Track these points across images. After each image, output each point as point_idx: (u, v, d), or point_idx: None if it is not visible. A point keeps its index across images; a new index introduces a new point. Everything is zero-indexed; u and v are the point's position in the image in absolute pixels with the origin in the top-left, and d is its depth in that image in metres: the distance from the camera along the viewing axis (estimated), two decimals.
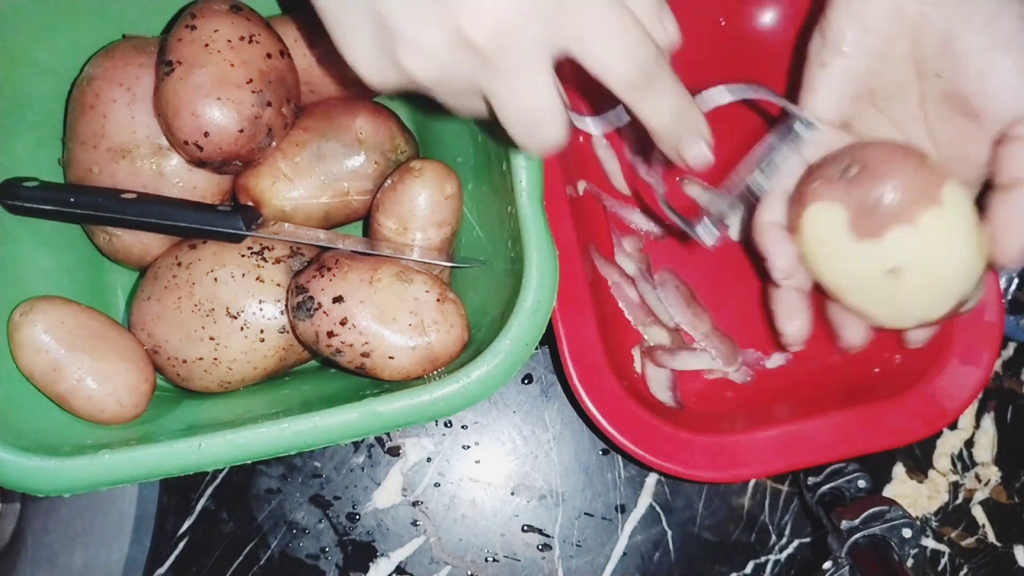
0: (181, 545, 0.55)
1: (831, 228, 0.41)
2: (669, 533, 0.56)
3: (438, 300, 0.43)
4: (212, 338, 0.45)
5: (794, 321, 0.46)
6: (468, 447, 0.56)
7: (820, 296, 0.53)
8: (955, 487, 0.57)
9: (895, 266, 0.40)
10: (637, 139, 0.55)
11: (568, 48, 0.31)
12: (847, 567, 0.47)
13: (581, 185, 0.55)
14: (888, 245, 0.40)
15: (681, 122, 0.35)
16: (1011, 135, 0.39)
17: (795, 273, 0.44)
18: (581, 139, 0.56)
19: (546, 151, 0.34)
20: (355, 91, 0.50)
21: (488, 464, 0.56)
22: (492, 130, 0.42)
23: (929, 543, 0.57)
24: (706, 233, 0.42)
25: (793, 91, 0.45)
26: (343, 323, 0.42)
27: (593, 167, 0.56)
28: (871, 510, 0.48)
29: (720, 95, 0.40)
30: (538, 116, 0.32)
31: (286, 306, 0.45)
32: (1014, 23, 0.38)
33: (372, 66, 0.32)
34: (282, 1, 0.51)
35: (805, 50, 0.44)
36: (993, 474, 0.58)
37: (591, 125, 0.38)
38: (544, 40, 0.30)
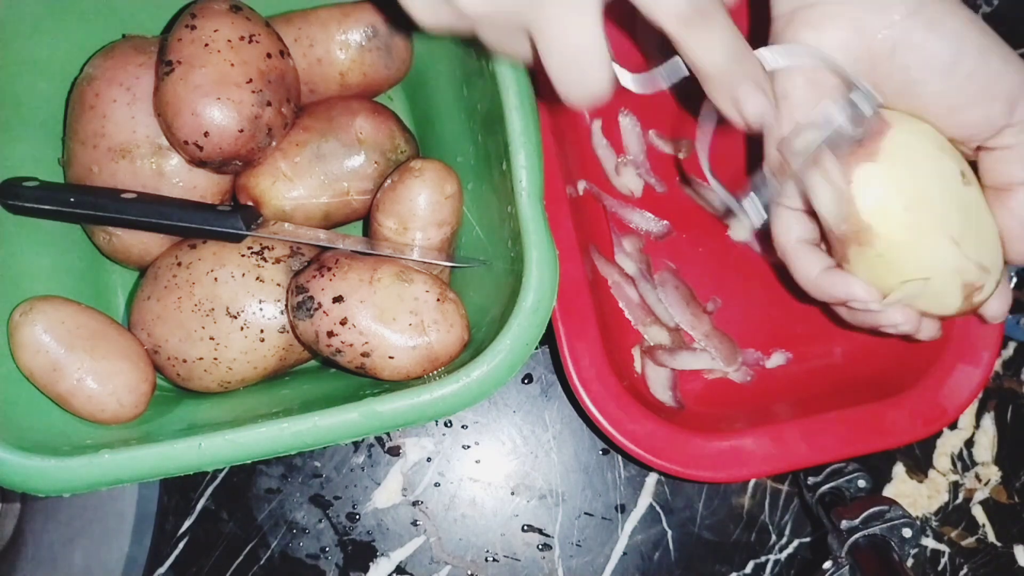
0: (181, 545, 0.55)
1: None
2: (669, 533, 0.56)
3: (438, 300, 0.43)
4: (212, 338, 0.45)
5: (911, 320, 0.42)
6: (468, 447, 0.56)
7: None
8: (955, 487, 0.57)
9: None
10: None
11: None
12: (847, 567, 0.47)
13: (581, 185, 0.55)
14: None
15: (737, 66, 0.33)
16: (985, 146, 0.39)
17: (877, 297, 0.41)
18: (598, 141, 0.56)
19: (586, 100, 0.33)
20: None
21: (488, 464, 0.56)
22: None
23: (929, 543, 0.57)
24: (753, 212, 0.39)
25: None
26: (343, 323, 0.42)
27: (593, 167, 0.56)
28: (871, 510, 0.48)
29: (772, 58, 0.37)
30: (582, 58, 0.31)
31: (286, 306, 0.45)
32: (975, 56, 0.37)
33: (425, 3, 0.32)
34: None
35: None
36: (993, 474, 0.58)
37: (632, 82, 0.36)
38: None
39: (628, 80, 0.36)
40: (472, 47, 0.41)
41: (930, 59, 0.37)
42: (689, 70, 0.34)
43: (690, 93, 0.34)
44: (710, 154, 0.42)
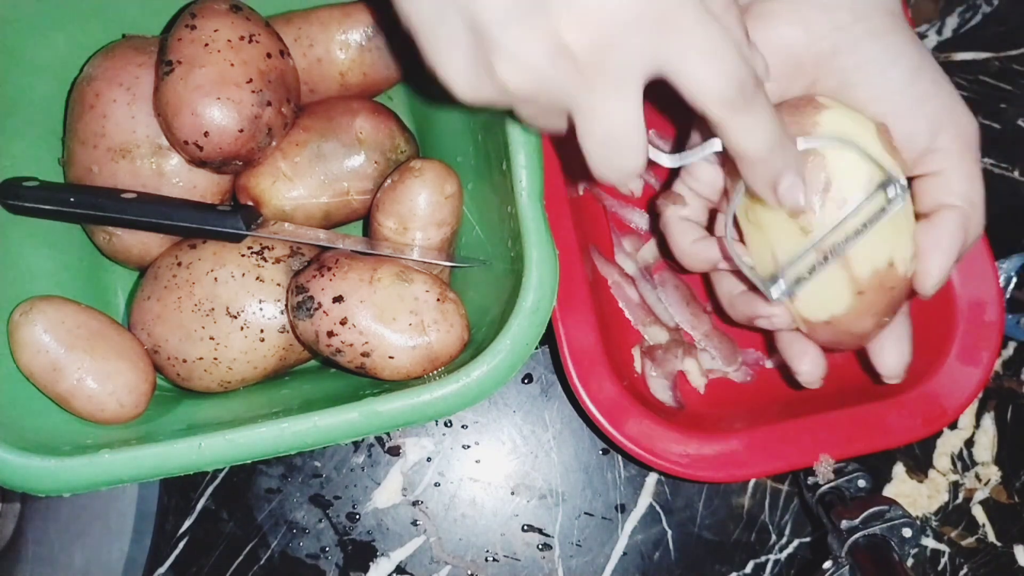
0: (181, 545, 0.55)
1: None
2: (669, 533, 0.56)
3: (438, 300, 0.43)
4: (212, 338, 0.45)
5: (807, 357, 0.44)
6: (468, 447, 0.56)
7: None
8: (955, 487, 0.57)
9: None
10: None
11: (666, 63, 0.30)
12: (847, 567, 0.47)
13: (581, 185, 0.55)
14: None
15: (778, 152, 0.34)
16: (913, 173, 0.40)
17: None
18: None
19: (620, 179, 0.34)
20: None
21: (488, 464, 0.56)
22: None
23: (929, 543, 0.57)
24: (778, 292, 0.40)
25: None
26: (343, 323, 0.42)
27: None
28: (871, 510, 0.47)
29: (806, 143, 0.37)
30: (621, 138, 0.32)
31: (286, 306, 0.45)
32: (909, 71, 0.39)
33: (466, 79, 0.32)
34: None
35: None
36: (993, 474, 0.58)
37: (667, 160, 0.37)
38: (642, 54, 0.30)
39: (664, 159, 0.37)
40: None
41: (867, 64, 0.39)
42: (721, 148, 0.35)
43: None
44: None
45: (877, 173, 0.38)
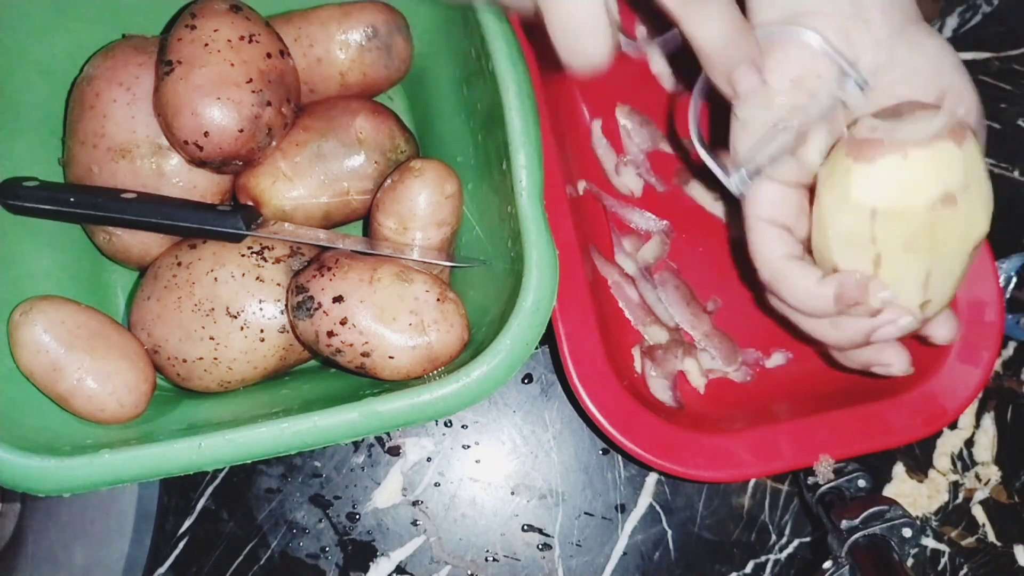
0: (181, 545, 0.55)
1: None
2: (669, 533, 0.56)
3: (438, 300, 0.43)
4: (212, 338, 0.45)
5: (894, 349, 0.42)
6: (468, 447, 0.56)
7: None
8: (955, 487, 0.57)
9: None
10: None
11: None
12: (847, 567, 0.47)
13: (581, 185, 0.55)
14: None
15: (733, 44, 0.34)
16: None
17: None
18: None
19: (587, 67, 0.34)
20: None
21: (488, 464, 0.56)
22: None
23: (929, 543, 0.57)
24: (737, 182, 0.40)
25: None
26: (343, 323, 0.42)
27: (593, 167, 0.56)
28: (871, 510, 0.47)
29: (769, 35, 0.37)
30: (584, 21, 0.32)
31: (286, 306, 0.45)
32: (950, 71, 0.39)
33: None
34: None
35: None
36: (993, 474, 0.58)
37: (630, 47, 0.37)
38: None
39: (627, 45, 0.37)
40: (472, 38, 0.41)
41: (913, 74, 0.38)
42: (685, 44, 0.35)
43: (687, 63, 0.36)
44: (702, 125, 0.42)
45: (838, 65, 0.38)
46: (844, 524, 0.48)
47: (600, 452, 0.56)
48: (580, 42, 0.33)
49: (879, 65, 0.39)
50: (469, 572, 0.55)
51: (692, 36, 0.34)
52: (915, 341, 0.44)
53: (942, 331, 0.43)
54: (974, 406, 0.58)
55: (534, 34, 0.47)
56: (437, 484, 0.56)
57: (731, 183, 0.40)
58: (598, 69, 0.34)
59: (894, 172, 0.36)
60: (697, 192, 0.56)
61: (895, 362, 0.42)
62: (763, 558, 0.56)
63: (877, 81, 0.39)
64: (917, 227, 0.37)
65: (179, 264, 0.46)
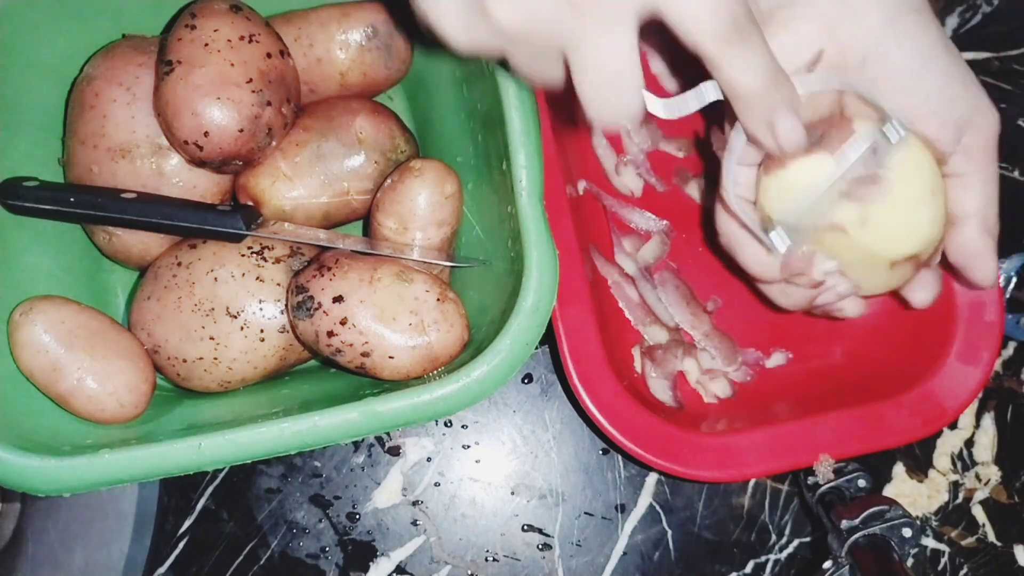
0: (181, 545, 0.55)
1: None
2: (669, 533, 0.56)
3: (438, 300, 0.43)
4: (212, 338, 0.45)
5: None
6: (468, 447, 0.56)
7: None
8: (955, 487, 0.57)
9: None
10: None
11: (660, 1, 0.30)
12: (847, 567, 0.47)
13: (581, 185, 0.55)
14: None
15: (773, 88, 0.33)
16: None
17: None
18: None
19: (616, 122, 0.33)
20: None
21: (488, 464, 0.56)
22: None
23: (929, 543, 0.57)
24: (779, 241, 0.40)
25: None
26: (343, 323, 0.42)
27: (593, 167, 0.56)
28: (871, 510, 0.47)
29: (806, 83, 0.37)
30: (617, 76, 0.31)
31: (286, 306, 0.45)
32: (939, 76, 0.38)
33: (458, 20, 0.31)
34: None
35: None
36: (993, 474, 0.58)
37: (661, 108, 0.36)
38: None
39: (657, 106, 0.35)
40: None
41: (896, 72, 0.38)
42: (718, 94, 0.34)
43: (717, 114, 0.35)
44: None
45: (878, 118, 0.38)
46: (844, 524, 0.48)
47: (600, 452, 0.56)
48: (614, 95, 0.32)
49: (867, 56, 0.38)
50: (469, 572, 0.55)
51: (729, 81, 0.32)
52: (915, 341, 0.44)
53: (919, 295, 0.43)
54: (974, 406, 0.58)
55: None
56: (437, 484, 0.56)
57: (773, 243, 0.40)
58: (630, 123, 0.33)
59: (775, 186, 0.39)
60: (697, 192, 0.56)
61: (847, 307, 0.44)
62: (763, 558, 0.56)
63: (866, 71, 0.38)
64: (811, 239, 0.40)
65: (179, 264, 0.46)
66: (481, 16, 0.30)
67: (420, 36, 0.33)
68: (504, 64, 0.34)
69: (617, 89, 0.32)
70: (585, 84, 0.32)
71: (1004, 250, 0.57)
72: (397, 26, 0.49)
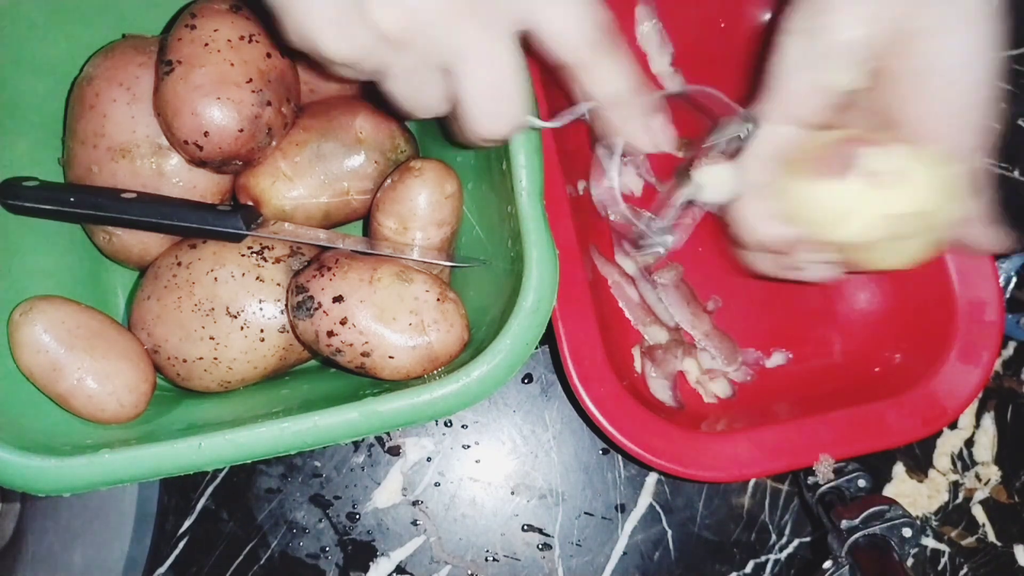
0: (181, 545, 0.55)
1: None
2: (669, 532, 0.56)
3: (438, 300, 0.43)
4: (212, 338, 0.45)
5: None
6: (468, 447, 0.56)
7: (824, 294, 0.53)
8: (955, 487, 0.57)
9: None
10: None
11: (529, 13, 0.31)
12: (847, 566, 0.47)
13: (581, 185, 0.55)
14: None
15: (628, 97, 0.35)
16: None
17: None
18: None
19: (501, 133, 0.34)
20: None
21: (488, 464, 0.56)
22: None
23: (929, 542, 0.57)
24: (660, 244, 0.44)
25: None
26: (343, 323, 0.42)
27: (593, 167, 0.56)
28: (871, 509, 0.48)
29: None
30: (505, 83, 0.32)
31: (286, 306, 0.45)
32: (979, 75, 0.38)
33: (334, 27, 0.30)
34: None
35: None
36: (993, 474, 0.58)
37: (539, 123, 0.39)
38: (507, 3, 0.31)
39: (538, 123, 0.38)
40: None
41: (946, 55, 0.36)
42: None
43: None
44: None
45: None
46: (844, 524, 0.48)
47: (600, 452, 0.56)
48: (503, 103, 0.33)
49: (872, 44, 0.36)
50: (469, 572, 0.55)
51: (591, 91, 0.35)
52: (915, 341, 0.44)
53: (982, 238, 0.41)
54: (974, 406, 0.58)
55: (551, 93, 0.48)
56: (437, 484, 0.56)
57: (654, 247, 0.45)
58: (512, 134, 0.34)
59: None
60: None
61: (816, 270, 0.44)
62: (763, 558, 0.56)
63: (910, 47, 0.36)
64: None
65: (179, 264, 0.46)
66: (360, 20, 0.30)
67: None
68: (380, 99, 0.34)
69: (505, 96, 0.32)
70: (473, 94, 0.32)
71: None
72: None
